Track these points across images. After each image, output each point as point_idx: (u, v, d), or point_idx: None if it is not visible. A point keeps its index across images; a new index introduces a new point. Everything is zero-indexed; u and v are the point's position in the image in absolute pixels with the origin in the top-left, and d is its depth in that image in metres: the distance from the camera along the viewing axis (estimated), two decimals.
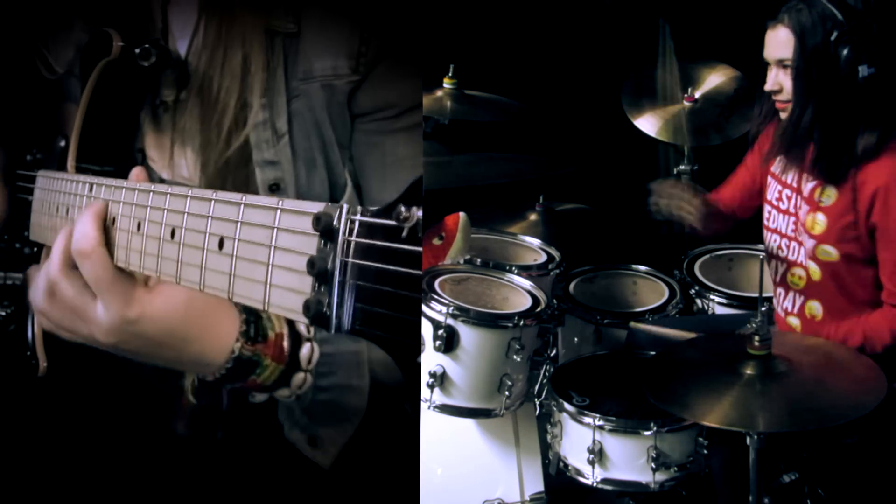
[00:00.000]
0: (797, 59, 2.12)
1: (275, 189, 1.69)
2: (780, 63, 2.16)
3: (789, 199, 2.27)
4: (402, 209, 0.83)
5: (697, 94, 2.95)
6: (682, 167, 2.98)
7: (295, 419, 1.66)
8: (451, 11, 3.12)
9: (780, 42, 2.14)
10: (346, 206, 0.91)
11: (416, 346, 0.82)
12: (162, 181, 1.74)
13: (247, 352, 1.45)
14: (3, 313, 1.76)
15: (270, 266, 0.98)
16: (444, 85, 2.80)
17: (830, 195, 2.16)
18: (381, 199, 1.70)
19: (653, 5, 3.27)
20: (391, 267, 0.83)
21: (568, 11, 3.34)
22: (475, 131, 3.15)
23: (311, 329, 1.52)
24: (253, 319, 1.47)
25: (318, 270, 0.90)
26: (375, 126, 1.72)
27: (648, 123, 2.92)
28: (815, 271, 2.22)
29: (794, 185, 2.25)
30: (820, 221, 2.18)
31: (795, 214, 2.26)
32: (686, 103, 2.95)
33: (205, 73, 1.67)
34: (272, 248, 0.98)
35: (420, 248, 0.83)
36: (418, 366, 0.87)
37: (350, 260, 0.88)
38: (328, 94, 1.69)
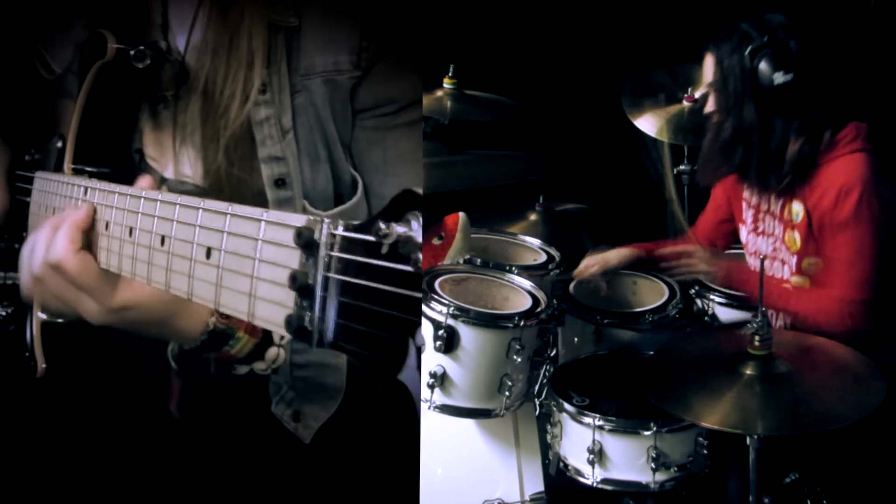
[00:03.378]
0: (715, 77, 2.26)
1: (281, 184, 1.69)
2: (710, 86, 2.29)
3: (765, 221, 2.35)
4: (381, 225, 0.83)
5: (697, 95, 2.94)
6: (681, 167, 2.98)
7: (282, 395, 1.77)
8: (452, 11, 3.12)
9: (707, 69, 2.29)
10: (327, 221, 0.90)
11: (397, 364, 0.82)
12: (164, 180, 1.74)
13: (221, 325, 1.57)
14: (3, 313, 1.76)
15: (254, 278, 0.98)
16: (444, 85, 2.80)
17: (798, 212, 2.23)
18: (383, 195, 1.73)
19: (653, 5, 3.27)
20: (371, 283, 0.82)
21: (568, 11, 3.33)
22: (475, 131, 3.15)
23: None
24: None
25: (300, 285, 0.90)
26: (376, 122, 1.72)
27: (648, 123, 2.92)
28: (805, 283, 2.28)
29: (766, 207, 2.32)
30: (796, 239, 2.25)
31: (772, 234, 2.32)
32: (686, 103, 2.94)
33: (205, 67, 1.66)
34: (256, 261, 0.98)
35: (402, 266, 0.82)
36: (400, 382, 0.86)
37: (331, 275, 0.88)
38: (330, 90, 1.69)
